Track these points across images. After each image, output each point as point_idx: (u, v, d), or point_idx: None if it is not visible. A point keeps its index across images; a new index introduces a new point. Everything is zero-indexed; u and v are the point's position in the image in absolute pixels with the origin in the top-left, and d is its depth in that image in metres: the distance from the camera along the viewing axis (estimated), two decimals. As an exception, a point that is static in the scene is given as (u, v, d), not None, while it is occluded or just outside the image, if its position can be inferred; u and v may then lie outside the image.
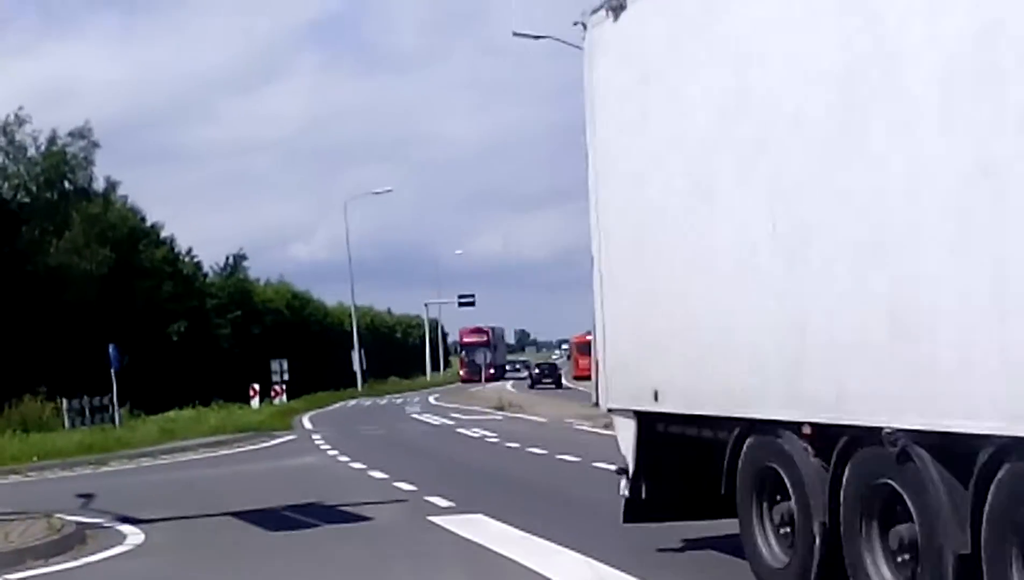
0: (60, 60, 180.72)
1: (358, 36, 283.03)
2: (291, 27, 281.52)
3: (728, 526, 13.72)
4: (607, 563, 10.86)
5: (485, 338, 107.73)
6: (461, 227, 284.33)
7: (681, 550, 12.26)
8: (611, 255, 11.18)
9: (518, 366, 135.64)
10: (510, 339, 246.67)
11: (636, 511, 11.19)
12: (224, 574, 11.87)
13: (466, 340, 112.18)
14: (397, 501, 17.12)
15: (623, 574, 10.35)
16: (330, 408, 56.82)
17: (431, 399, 64.13)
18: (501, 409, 47.87)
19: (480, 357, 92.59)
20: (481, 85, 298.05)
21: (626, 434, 11.14)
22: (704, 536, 13.24)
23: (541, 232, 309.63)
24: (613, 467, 20.90)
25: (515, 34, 49.43)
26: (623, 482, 11.17)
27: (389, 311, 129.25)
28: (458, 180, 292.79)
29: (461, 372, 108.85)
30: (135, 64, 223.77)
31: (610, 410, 11.66)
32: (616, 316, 11.13)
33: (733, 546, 12.42)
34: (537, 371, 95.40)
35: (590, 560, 11.10)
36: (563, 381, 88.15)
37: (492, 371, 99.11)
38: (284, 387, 59.48)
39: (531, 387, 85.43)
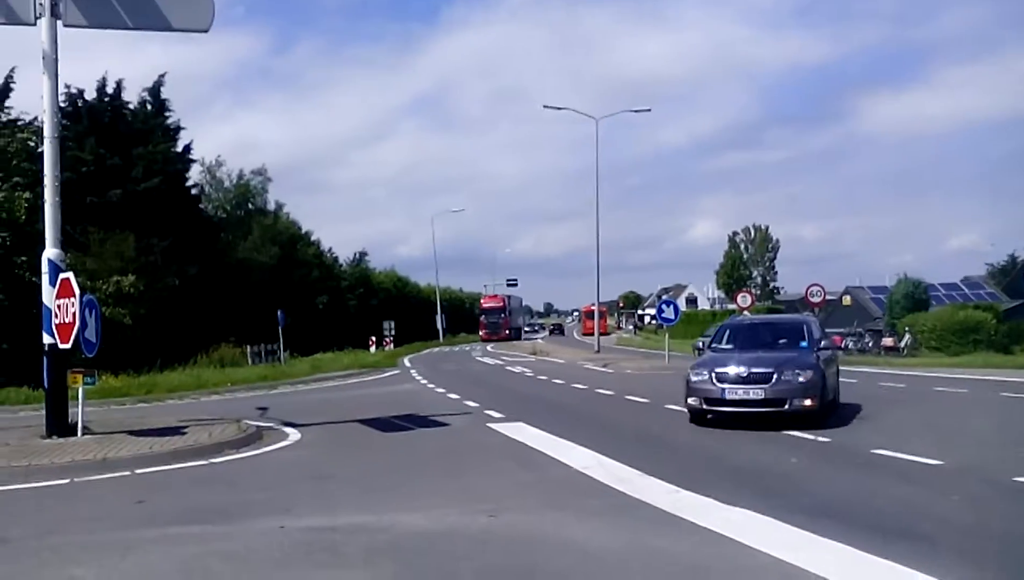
0: (246, 125, 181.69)
1: (441, 108, 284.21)
2: (398, 102, 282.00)
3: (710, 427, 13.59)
4: (608, 456, 10.79)
5: (501, 303, 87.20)
6: (508, 233, 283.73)
7: (671, 449, 12.16)
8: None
9: (536, 327, 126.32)
10: (539, 307, 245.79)
11: None
12: (351, 459, 11.87)
13: (485, 305, 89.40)
14: (466, 413, 17.08)
15: (621, 464, 10.27)
16: (422, 353, 56.90)
17: (488, 347, 64.08)
18: (535, 354, 47.74)
19: (495, 318, 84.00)
20: (520, 141, 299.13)
21: None
22: (692, 437, 13.11)
23: (560, 237, 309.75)
24: (608, 392, 20.94)
25: (544, 106, 49.43)
26: None
27: (461, 289, 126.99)
28: (505, 203, 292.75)
29: (481, 333, 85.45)
30: (295, 127, 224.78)
31: None
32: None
33: (725, 442, 12.31)
34: (552, 328, 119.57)
35: (596, 453, 11.04)
36: (564, 332, 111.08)
37: (507, 332, 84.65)
38: (391, 339, 59.55)
39: (550, 335, 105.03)
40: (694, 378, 13.93)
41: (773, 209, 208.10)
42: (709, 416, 13.78)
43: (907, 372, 27.01)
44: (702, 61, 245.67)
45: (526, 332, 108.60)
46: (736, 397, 13.30)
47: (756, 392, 13.17)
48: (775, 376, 13.23)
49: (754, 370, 13.44)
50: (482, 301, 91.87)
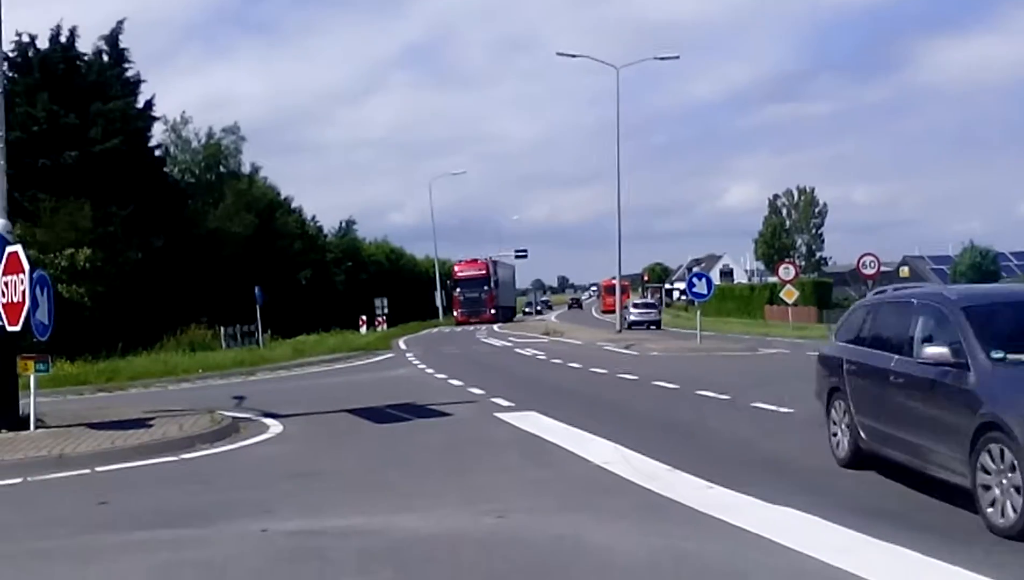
0: (218, 78, 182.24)
1: (436, 61, 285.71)
2: (387, 53, 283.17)
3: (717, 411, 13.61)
4: (632, 449, 10.81)
5: (483, 272, 70.96)
6: (516, 200, 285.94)
7: (701, 442, 12.18)
8: None
9: (540, 307, 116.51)
10: (551, 281, 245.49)
11: None
12: (341, 454, 11.93)
13: (460, 274, 71.56)
14: (470, 402, 17.12)
15: (646, 458, 10.30)
16: (419, 334, 56.97)
17: (495, 327, 64.08)
18: (547, 334, 47.78)
19: (476, 292, 69.49)
20: (530, 96, 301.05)
21: None
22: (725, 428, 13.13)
23: (576, 203, 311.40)
24: (632, 377, 20.97)
25: (558, 54, 49.28)
26: None
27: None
28: (514, 165, 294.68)
29: (456, 313, 70.61)
30: (273, 81, 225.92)
31: None
32: None
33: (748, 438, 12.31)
34: (571, 302, 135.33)
35: (618, 446, 11.06)
36: (582, 306, 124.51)
37: (493, 311, 69.93)
38: (384, 318, 59.61)
39: (568, 309, 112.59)
40: None
41: (819, 170, 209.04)
42: None
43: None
44: (738, 2, 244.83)
45: (526, 313, 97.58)
46: None
47: None
48: None
49: None
50: (456, 268, 73.91)
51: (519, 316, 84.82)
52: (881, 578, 5.87)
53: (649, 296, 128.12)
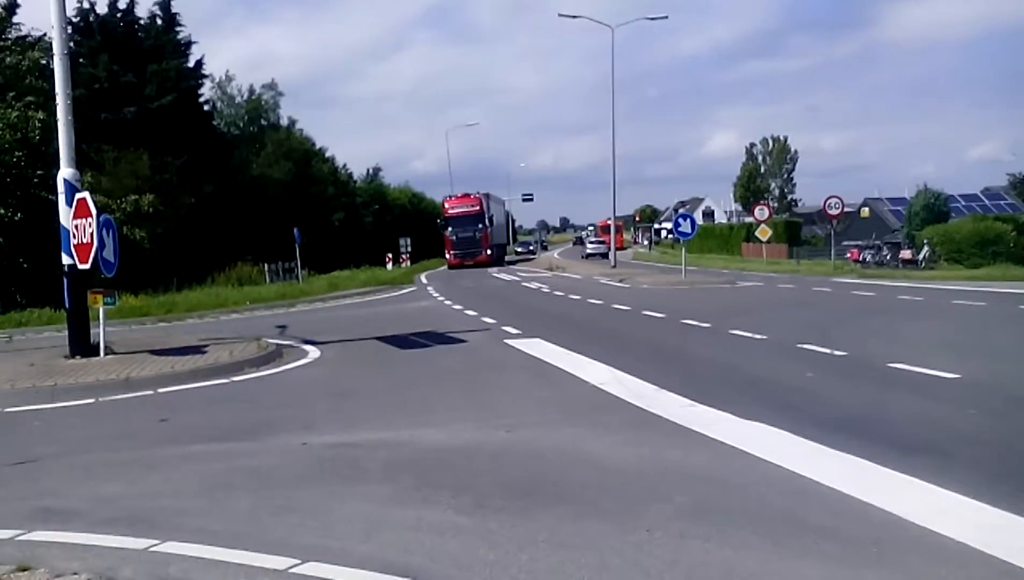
0: (258, 40, 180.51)
1: (453, 20, 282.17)
2: (411, 14, 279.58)
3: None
4: (625, 371, 10.88)
5: (477, 208, 56.37)
6: (524, 148, 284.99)
7: (678, 365, 12.22)
8: None
9: (531, 247, 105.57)
10: (554, 222, 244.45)
11: None
12: (371, 376, 12.02)
13: (451, 211, 56.83)
14: (483, 330, 17.15)
15: (637, 379, 10.36)
16: (438, 270, 56.85)
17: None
18: (551, 270, 47.71)
19: (469, 231, 55.87)
20: (536, 52, 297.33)
21: None
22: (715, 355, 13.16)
23: (578, 151, 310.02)
24: (624, 308, 21.00)
25: (559, 15, 48.55)
26: None
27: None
28: (522, 116, 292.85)
29: (448, 255, 56.93)
30: (309, 41, 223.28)
31: None
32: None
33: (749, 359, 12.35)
34: (575, 240, 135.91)
35: (612, 369, 11.13)
36: (584, 243, 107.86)
37: (489, 252, 56.60)
38: (408, 256, 59.44)
39: (573, 246, 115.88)
40: None
41: (792, 120, 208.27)
42: None
43: (925, 285, 26.92)
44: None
45: (519, 253, 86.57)
46: None
47: None
48: None
49: None
50: (446, 204, 58.28)
51: (511, 257, 75.89)
52: (835, 482, 5.96)
53: (640, 235, 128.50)
